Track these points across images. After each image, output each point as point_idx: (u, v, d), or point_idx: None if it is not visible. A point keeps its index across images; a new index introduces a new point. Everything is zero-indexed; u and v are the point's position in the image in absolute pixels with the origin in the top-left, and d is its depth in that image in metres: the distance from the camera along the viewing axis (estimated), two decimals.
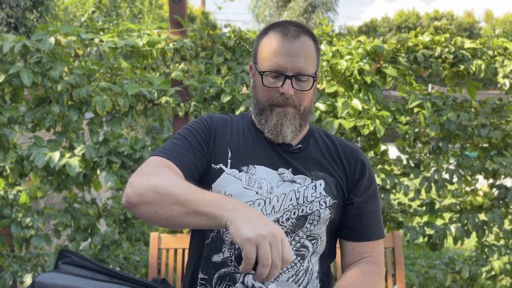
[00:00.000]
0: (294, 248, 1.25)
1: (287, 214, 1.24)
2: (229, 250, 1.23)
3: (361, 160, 1.35)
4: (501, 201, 2.87)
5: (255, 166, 1.26)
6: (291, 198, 1.25)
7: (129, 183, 1.09)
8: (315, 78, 1.26)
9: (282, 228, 1.23)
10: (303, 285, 1.26)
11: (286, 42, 1.22)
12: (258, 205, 1.23)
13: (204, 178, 1.27)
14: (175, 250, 2.09)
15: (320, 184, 1.28)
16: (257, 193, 1.24)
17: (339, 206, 1.30)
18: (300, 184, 1.27)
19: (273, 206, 1.23)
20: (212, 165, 1.27)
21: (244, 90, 2.72)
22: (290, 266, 1.24)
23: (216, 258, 1.24)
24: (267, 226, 0.93)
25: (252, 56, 1.35)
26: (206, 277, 1.25)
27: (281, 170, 1.27)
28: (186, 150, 1.22)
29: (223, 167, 1.27)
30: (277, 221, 1.23)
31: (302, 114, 1.28)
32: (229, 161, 1.27)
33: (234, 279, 1.22)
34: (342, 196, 1.31)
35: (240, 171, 1.26)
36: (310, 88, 1.25)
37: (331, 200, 1.28)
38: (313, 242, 1.27)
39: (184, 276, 1.37)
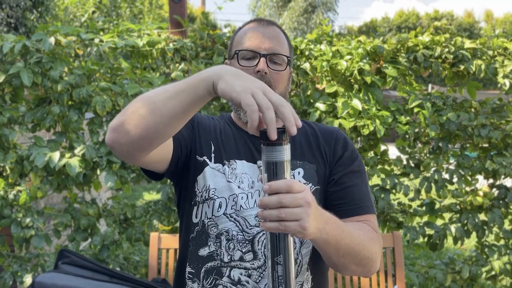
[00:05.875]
0: None
1: None
2: (215, 244, 1.23)
3: (343, 138, 1.33)
4: (501, 201, 2.87)
5: (236, 160, 1.27)
6: None
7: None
8: (289, 58, 1.29)
9: None
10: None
11: (260, 27, 1.30)
12: (241, 199, 1.23)
13: (189, 170, 1.27)
14: (175, 250, 2.09)
15: (299, 172, 1.27)
16: (239, 187, 1.24)
17: (321, 192, 1.27)
18: None
19: (255, 200, 1.23)
20: (197, 156, 1.27)
21: None
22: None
23: (202, 252, 1.24)
24: (256, 81, 0.93)
25: (227, 55, 1.38)
26: (194, 271, 1.25)
27: (259, 163, 1.27)
28: None
29: (207, 160, 1.27)
30: None
31: None
32: (212, 155, 1.28)
33: (221, 273, 1.22)
34: (324, 180, 1.28)
35: (223, 165, 1.27)
36: (285, 69, 1.28)
37: (313, 186, 1.26)
38: None
39: (175, 270, 1.37)
